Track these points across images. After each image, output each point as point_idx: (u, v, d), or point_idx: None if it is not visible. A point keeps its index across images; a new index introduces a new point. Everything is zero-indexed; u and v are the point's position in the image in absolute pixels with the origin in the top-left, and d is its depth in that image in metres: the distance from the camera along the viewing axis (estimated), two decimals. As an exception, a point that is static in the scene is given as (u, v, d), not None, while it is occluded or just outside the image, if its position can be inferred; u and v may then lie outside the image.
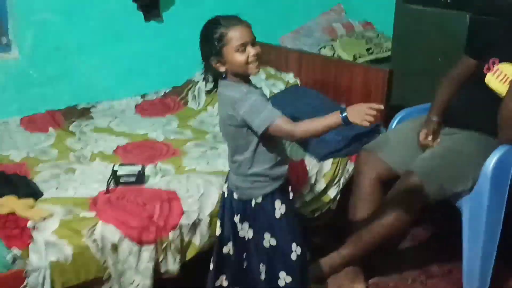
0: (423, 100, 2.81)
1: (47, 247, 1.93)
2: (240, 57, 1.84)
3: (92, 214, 2.10)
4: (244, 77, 1.90)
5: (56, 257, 1.93)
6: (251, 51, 1.84)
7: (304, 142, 2.68)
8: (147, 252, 2.08)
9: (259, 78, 3.22)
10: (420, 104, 2.81)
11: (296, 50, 3.54)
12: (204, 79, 1.98)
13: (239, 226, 1.99)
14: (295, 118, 2.75)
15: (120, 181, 2.32)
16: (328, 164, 2.65)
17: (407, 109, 2.82)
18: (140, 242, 2.07)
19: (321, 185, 2.63)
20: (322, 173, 2.64)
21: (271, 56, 3.41)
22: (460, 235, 2.42)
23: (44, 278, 1.90)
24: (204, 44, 1.89)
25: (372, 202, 2.50)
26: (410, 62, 3.25)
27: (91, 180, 2.39)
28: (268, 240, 1.95)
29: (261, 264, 1.98)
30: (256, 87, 1.95)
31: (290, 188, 2.02)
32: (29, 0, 3.06)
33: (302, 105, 2.89)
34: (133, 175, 2.33)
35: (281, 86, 3.16)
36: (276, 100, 3.00)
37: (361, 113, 1.75)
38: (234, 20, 1.87)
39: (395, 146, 2.58)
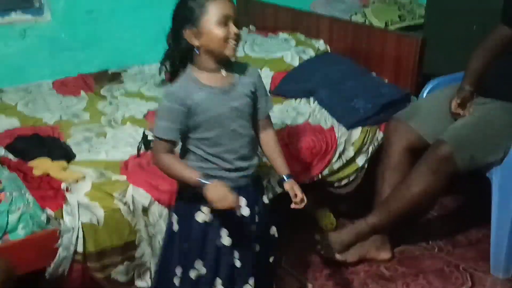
0: (456, 69, 2.76)
1: (80, 209, 1.98)
2: (219, 31, 1.63)
3: (123, 177, 2.14)
4: (217, 58, 1.68)
5: (88, 219, 1.97)
6: (234, 28, 1.64)
7: (333, 110, 2.66)
8: (177, 215, 2.12)
9: (289, 44, 3.20)
10: (453, 73, 2.76)
11: (327, 16, 3.49)
12: (162, 63, 1.77)
13: None
14: (324, 86, 2.76)
15: (151, 145, 2.34)
16: (357, 132, 2.64)
17: (439, 78, 2.77)
18: (170, 206, 2.10)
19: (349, 153, 2.62)
20: (351, 141, 2.63)
21: (301, 22, 3.38)
22: (489, 205, 2.40)
23: (77, 239, 1.95)
24: (180, 10, 1.67)
25: (401, 171, 2.49)
26: (444, 30, 3.18)
27: (122, 143, 2.42)
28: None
29: None
30: (232, 76, 1.72)
31: (243, 203, 1.74)
32: (62, -37, 3.07)
33: (332, 72, 2.87)
34: (163, 139, 2.35)
35: (311, 53, 3.12)
36: (306, 66, 2.99)
37: (220, 196, 1.61)
38: None
39: (426, 115, 2.55)
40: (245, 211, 1.76)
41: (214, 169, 1.73)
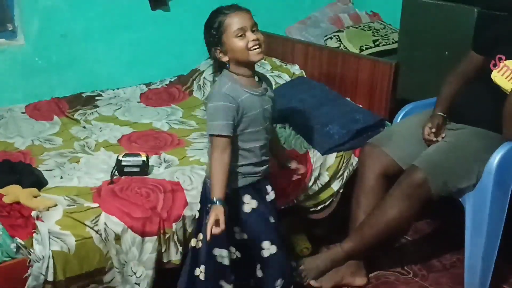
0: (429, 95, 2.80)
1: (51, 237, 1.94)
2: (239, 43, 1.86)
3: (95, 204, 2.11)
4: (248, 66, 1.93)
5: (59, 247, 1.94)
6: (251, 36, 1.86)
7: (308, 136, 2.67)
8: (150, 243, 2.09)
9: (264, 69, 3.21)
10: (426, 99, 2.80)
11: (302, 41, 3.52)
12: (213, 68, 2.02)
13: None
14: (300, 111, 2.78)
15: (124, 171, 2.32)
16: (332, 157, 2.65)
17: (412, 103, 2.80)
18: (143, 234, 2.08)
19: (324, 178, 2.63)
20: (326, 167, 2.63)
21: (276, 47, 3.40)
22: (463, 230, 2.42)
23: (47, 268, 1.91)
24: (206, 35, 1.93)
25: (375, 196, 2.50)
26: (417, 55, 3.23)
27: (96, 169, 2.40)
28: (238, 233, 2.02)
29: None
30: (260, 81, 1.98)
31: (269, 189, 2.09)
32: (35, -13, 3.05)
33: (307, 97, 2.89)
34: (137, 165, 2.33)
35: (286, 78, 3.15)
36: (281, 91, 3.00)
37: (215, 219, 1.84)
38: (232, 7, 1.91)
39: (400, 140, 2.57)
40: (272, 195, 2.09)
41: (246, 165, 1.98)
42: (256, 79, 1.99)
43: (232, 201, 1.96)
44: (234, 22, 1.86)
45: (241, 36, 1.86)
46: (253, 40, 1.86)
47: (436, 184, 2.33)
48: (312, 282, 2.41)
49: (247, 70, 1.94)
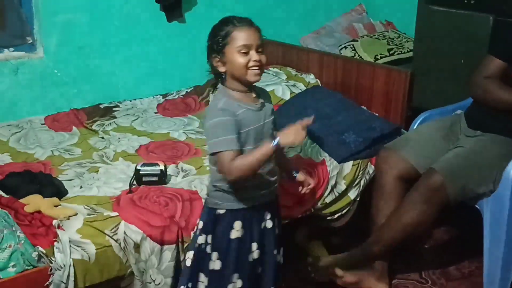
0: (445, 102, 2.80)
1: (72, 246, 1.97)
2: (240, 59, 1.78)
3: (115, 213, 2.14)
4: (243, 83, 1.83)
5: (80, 256, 1.96)
6: (254, 56, 1.78)
7: (325, 144, 2.68)
8: (169, 251, 2.11)
9: (280, 78, 3.24)
10: (442, 107, 2.80)
11: (317, 50, 3.54)
12: (209, 85, 1.98)
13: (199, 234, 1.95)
14: (315, 120, 2.78)
15: (143, 180, 2.35)
16: (348, 166, 2.65)
17: (429, 111, 2.81)
18: (162, 242, 2.10)
19: (341, 187, 2.64)
20: (343, 175, 2.64)
21: (291, 56, 3.42)
22: (481, 237, 2.41)
23: (68, 276, 1.93)
24: (210, 40, 1.84)
25: (394, 199, 2.49)
26: (432, 64, 3.23)
27: (114, 179, 2.43)
28: (214, 260, 1.90)
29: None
30: (259, 96, 1.89)
31: (268, 216, 1.94)
32: (54, 1, 3.10)
33: (323, 106, 2.90)
34: (155, 174, 2.35)
35: (301, 87, 3.16)
36: (297, 100, 3.02)
37: (292, 133, 1.77)
38: (244, 21, 1.82)
39: (417, 145, 2.57)
40: (269, 224, 1.94)
41: (244, 187, 1.85)
42: (253, 94, 1.88)
43: (222, 223, 1.88)
44: (241, 37, 1.78)
45: (244, 53, 1.78)
46: (254, 60, 1.78)
47: (453, 188, 2.32)
48: (338, 271, 2.41)
49: (242, 86, 1.84)
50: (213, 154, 1.81)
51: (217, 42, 1.81)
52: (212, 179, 1.93)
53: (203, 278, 1.93)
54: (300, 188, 2.09)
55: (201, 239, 1.93)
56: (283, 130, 1.80)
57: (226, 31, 1.79)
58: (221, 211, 1.89)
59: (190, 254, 1.96)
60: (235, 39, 1.78)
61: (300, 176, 2.08)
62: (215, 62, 1.84)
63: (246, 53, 1.78)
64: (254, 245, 1.92)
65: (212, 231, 1.91)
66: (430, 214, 2.37)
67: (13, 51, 3.11)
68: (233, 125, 1.79)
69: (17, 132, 2.89)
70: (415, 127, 2.77)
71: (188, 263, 1.96)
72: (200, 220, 1.97)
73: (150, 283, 2.12)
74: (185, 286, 1.96)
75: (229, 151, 1.76)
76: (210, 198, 1.93)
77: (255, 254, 1.92)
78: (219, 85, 1.89)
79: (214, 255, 1.90)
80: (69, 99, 3.23)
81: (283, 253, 2.05)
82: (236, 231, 1.88)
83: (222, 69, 1.83)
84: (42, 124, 3.02)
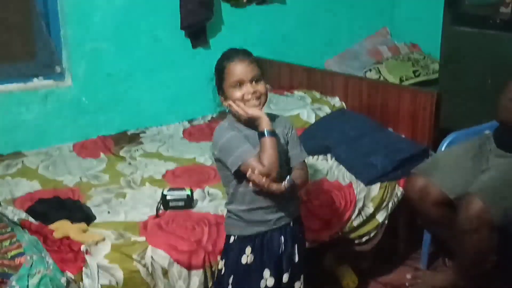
0: (473, 123, 2.77)
1: (100, 271, 1.97)
2: (236, 93, 1.80)
3: (142, 238, 2.14)
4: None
5: (108, 281, 1.97)
6: (249, 89, 1.78)
7: (351, 167, 2.66)
8: (197, 276, 2.10)
9: (305, 102, 3.24)
10: (470, 127, 2.76)
11: (342, 74, 3.54)
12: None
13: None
14: (341, 142, 2.78)
15: (169, 205, 2.35)
16: (376, 188, 2.63)
17: (456, 132, 2.77)
18: (190, 267, 2.09)
19: (369, 210, 2.61)
20: (370, 197, 2.61)
21: (316, 80, 3.43)
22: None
23: (96, 301, 1.94)
24: (214, 77, 1.89)
25: (440, 222, 2.49)
26: (458, 84, 3.21)
27: (141, 204, 2.44)
28: (229, 284, 1.89)
29: None
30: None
31: (282, 240, 1.88)
32: (82, 31, 3.17)
33: (349, 128, 2.89)
34: (181, 199, 2.36)
35: (327, 110, 3.16)
36: (322, 123, 3.02)
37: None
38: (238, 54, 1.83)
39: (447, 169, 2.53)
40: (287, 250, 1.89)
41: (254, 210, 1.83)
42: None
43: (234, 248, 1.87)
44: (233, 72, 1.79)
45: (238, 86, 1.79)
46: (249, 92, 1.78)
47: (496, 211, 2.25)
48: None
49: (246, 119, 1.83)
50: (238, 168, 1.77)
51: (218, 79, 1.86)
52: (226, 203, 1.93)
53: None
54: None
55: (220, 264, 1.95)
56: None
57: (221, 66, 1.83)
58: (234, 237, 1.88)
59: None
60: (229, 74, 1.80)
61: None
62: (220, 99, 1.88)
63: (241, 86, 1.80)
64: (267, 272, 1.87)
65: (227, 256, 1.91)
66: (485, 240, 2.29)
67: (42, 80, 3.17)
68: (243, 137, 1.81)
69: (46, 160, 2.94)
70: (443, 148, 2.74)
71: None
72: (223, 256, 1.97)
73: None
74: None
75: (251, 158, 1.76)
76: (226, 223, 1.94)
77: (269, 281, 1.87)
78: (227, 115, 1.91)
79: (230, 280, 1.90)
80: (97, 126, 3.28)
81: (306, 279, 1.99)
82: (247, 256, 1.86)
83: (225, 103, 1.86)
84: (70, 151, 3.07)
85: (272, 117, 1.89)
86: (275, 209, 1.86)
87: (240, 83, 1.79)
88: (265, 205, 1.84)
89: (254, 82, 1.81)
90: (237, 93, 1.79)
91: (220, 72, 1.83)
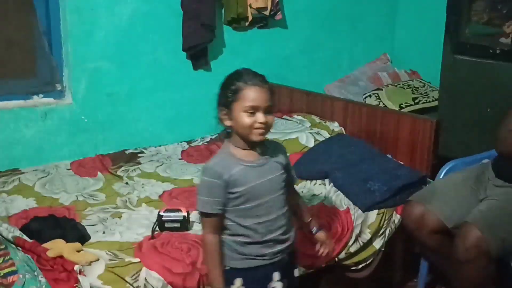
0: (471, 152, 2.76)
1: (93, 292, 1.95)
2: (246, 119, 1.73)
3: (136, 259, 2.12)
4: (246, 141, 1.79)
5: (100, 302, 1.95)
6: (260, 118, 1.73)
7: (349, 192, 2.65)
8: (190, 299, 2.08)
9: (304, 126, 3.24)
10: (468, 156, 2.76)
11: (341, 98, 3.55)
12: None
13: None
14: (339, 168, 2.77)
15: (165, 226, 2.34)
16: (373, 214, 2.61)
17: (455, 160, 2.76)
18: (184, 289, 2.07)
19: (366, 236, 2.59)
20: (367, 224, 2.60)
21: (316, 104, 3.43)
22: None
23: (88, 322, 1.92)
24: (220, 90, 1.81)
25: (442, 252, 2.46)
26: (458, 113, 3.21)
27: (137, 225, 2.42)
28: None
29: None
30: (264, 152, 1.84)
31: (276, 277, 1.85)
32: (84, 49, 3.18)
33: (347, 153, 2.89)
34: (177, 220, 2.35)
35: (325, 135, 3.16)
36: (321, 147, 3.01)
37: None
38: (257, 79, 1.76)
39: (444, 197, 2.51)
40: (279, 285, 1.86)
41: (248, 244, 1.81)
42: (259, 150, 1.83)
43: (225, 278, 1.82)
44: (249, 97, 1.72)
45: (251, 113, 1.73)
46: (260, 122, 1.73)
47: (493, 241, 2.23)
48: None
49: (245, 144, 1.80)
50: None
51: (226, 96, 1.77)
52: (222, 232, 1.87)
53: None
54: (318, 246, 2.06)
55: None
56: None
57: (236, 86, 1.75)
58: (226, 267, 1.85)
59: None
60: (244, 98, 1.73)
61: (320, 236, 2.07)
62: (222, 114, 1.80)
63: (253, 113, 1.73)
64: None
65: None
66: (483, 269, 2.25)
67: (42, 97, 3.18)
68: (219, 189, 1.76)
69: (43, 177, 2.93)
70: (441, 176, 2.73)
71: None
72: None
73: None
74: None
75: (207, 217, 1.79)
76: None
77: None
78: (225, 140, 1.86)
79: None
80: (95, 145, 3.28)
81: None
82: (237, 287, 1.83)
83: (227, 123, 1.79)
84: (67, 169, 3.06)
85: (271, 143, 1.89)
86: (271, 244, 1.84)
87: (254, 110, 1.73)
88: (258, 240, 1.82)
89: (267, 112, 1.76)
90: (247, 120, 1.74)
91: (233, 91, 1.75)
